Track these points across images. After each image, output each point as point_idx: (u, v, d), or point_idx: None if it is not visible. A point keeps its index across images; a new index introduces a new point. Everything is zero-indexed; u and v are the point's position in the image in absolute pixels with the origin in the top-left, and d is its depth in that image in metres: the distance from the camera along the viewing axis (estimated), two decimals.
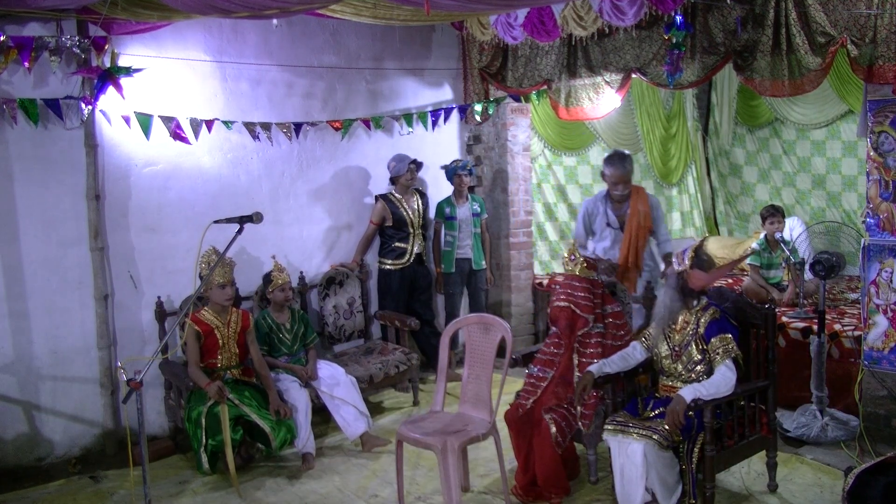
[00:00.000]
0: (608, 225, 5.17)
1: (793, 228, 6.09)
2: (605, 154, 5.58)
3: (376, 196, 6.00)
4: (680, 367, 3.70)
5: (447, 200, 6.25)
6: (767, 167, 7.76)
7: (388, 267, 5.98)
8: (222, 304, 4.58)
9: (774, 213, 5.78)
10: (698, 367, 3.64)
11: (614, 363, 3.85)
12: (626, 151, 5.25)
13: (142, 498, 3.19)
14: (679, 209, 8.16)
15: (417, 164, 5.98)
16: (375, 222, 5.97)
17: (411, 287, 6.07)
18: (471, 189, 6.48)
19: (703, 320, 3.65)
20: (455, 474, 3.82)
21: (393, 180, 5.99)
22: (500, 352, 4.10)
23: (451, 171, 6.22)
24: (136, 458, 3.79)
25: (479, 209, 6.33)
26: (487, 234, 6.48)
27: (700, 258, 3.66)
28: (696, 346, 3.64)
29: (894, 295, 4.32)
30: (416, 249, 6.00)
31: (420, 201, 6.06)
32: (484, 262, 6.39)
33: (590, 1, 5.16)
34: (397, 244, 5.95)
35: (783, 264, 5.84)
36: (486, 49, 6.35)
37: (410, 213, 5.95)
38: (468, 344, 4.29)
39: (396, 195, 5.97)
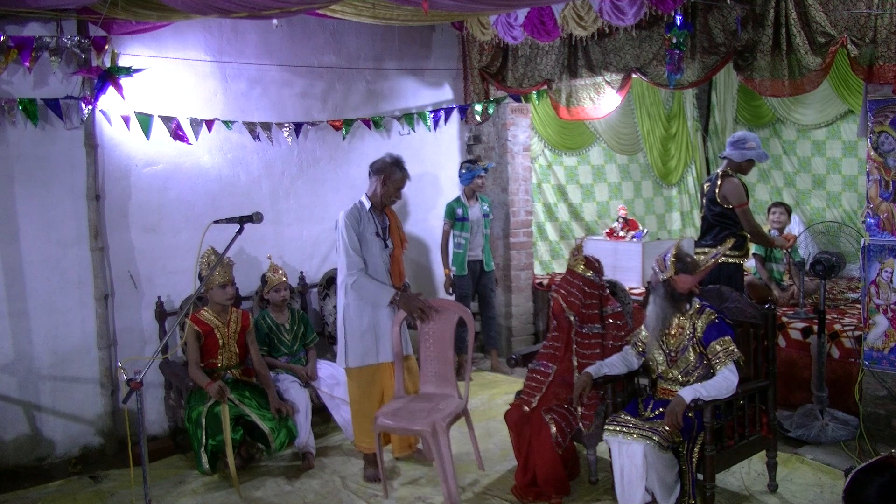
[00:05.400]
0: (377, 235, 4.41)
1: (792, 227, 6.14)
2: (397, 157, 4.44)
3: (722, 173, 4.92)
4: (676, 372, 3.69)
5: (457, 201, 6.16)
6: (768, 167, 7.75)
7: (732, 260, 4.99)
8: (223, 303, 4.58)
9: (777, 206, 6.10)
10: (695, 372, 3.63)
11: (613, 365, 3.85)
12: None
13: (142, 498, 3.19)
14: (679, 209, 8.16)
15: None
16: (744, 205, 4.89)
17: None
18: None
19: (699, 324, 3.64)
20: (448, 452, 3.90)
21: (748, 162, 4.98)
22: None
23: (473, 174, 6.08)
24: (136, 458, 3.79)
25: (488, 209, 6.27)
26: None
27: (683, 262, 3.66)
28: (694, 350, 3.63)
29: (894, 295, 4.32)
30: None
31: None
32: (493, 263, 6.35)
33: (590, 1, 5.16)
34: (742, 232, 4.96)
35: (784, 260, 5.85)
36: (487, 49, 6.35)
37: None
38: (424, 328, 4.35)
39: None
